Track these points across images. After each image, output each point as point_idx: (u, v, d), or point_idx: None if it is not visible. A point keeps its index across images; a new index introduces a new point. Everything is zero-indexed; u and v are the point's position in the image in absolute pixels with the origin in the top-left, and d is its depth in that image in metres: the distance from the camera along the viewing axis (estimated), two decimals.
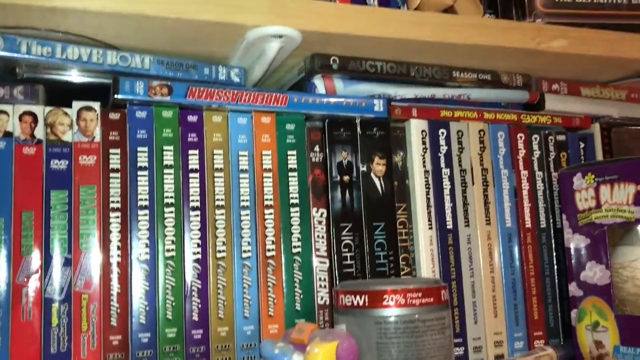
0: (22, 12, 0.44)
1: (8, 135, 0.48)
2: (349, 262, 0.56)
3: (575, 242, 0.60)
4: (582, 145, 0.67)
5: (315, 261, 0.55)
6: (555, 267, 0.63)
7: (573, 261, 0.60)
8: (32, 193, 0.48)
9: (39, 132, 0.49)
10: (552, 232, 0.64)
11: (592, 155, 0.67)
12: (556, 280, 0.63)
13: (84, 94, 0.51)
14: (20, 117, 0.48)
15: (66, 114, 0.50)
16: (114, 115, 0.51)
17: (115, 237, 0.49)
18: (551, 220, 0.64)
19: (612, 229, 0.59)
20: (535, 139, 0.65)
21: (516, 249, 0.62)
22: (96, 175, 0.50)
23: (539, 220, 0.63)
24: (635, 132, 0.69)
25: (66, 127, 0.49)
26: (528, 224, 0.63)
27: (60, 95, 0.51)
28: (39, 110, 0.49)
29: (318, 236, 0.55)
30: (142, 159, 0.51)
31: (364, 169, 0.57)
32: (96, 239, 0.49)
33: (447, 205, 0.60)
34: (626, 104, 0.69)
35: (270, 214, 0.54)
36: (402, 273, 0.58)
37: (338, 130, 0.57)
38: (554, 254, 0.63)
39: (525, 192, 0.63)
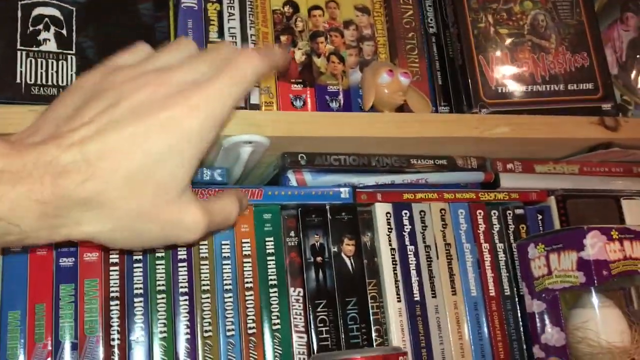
0: None
1: None
2: (324, 335, 0.62)
3: (535, 307, 0.65)
4: (540, 217, 0.73)
5: (294, 336, 0.61)
6: (522, 331, 0.68)
7: (534, 325, 0.65)
8: (44, 288, 0.56)
9: None
10: (516, 299, 0.69)
11: (551, 226, 0.73)
12: (524, 345, 0.68)
13: None
14: None
15: None
16: None
17: (115, 323, 0.57)
18: (515, 288, 0.69)
19: (569, 293, 0.65)
20: (494, 214, 0.72)
21: (482, 317, 0.67)
22: (98, 270, 0.58)
23: (503, 289, 0.69)
24: (590, 202, 0.75)
25: None
26: (492, 293, 0.68)
27: None
28: None
29: (296, 313, 0.62)
30: (137, 253, 0.59)
31: (335, 249, 0.65)
32: (99, 324, 0.57)
33: (414, 279, 0.66)
34: (580, 176, 0.75)
35: (251, 295, 0.61)
36: (375, 344, 0.64)
37: (310, 216, 0.65)
38: (520, 319, 0.68)
39: (487, 263, 0.69)
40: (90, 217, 0.31)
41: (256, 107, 0.65)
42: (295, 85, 0.68)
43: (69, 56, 0.55)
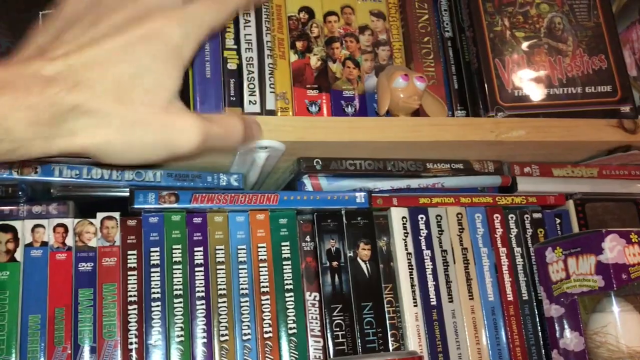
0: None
1: (44, 244, 0.58)
2: (340, 340, 0.62)
3: (553, 312, 0.65)
4: (558, 221, 0.73)
5: (310, 340, 0.62)
6: (541, 336, 0.68)
7: (553, 330, 0.65)
8: (63, 292, 0.57)
9: (69, 240, 0.59)
10: (534, 303, 0.68)
11: (569, 230, 0.72)
12: (542, 350, 0.67)
13: (107, 203, 0.62)
14: (54, 229, 0.58)
15: (91, 223, 0.60)
16: (131, 222, 0.61)
17: (133, 327, 0.58)
18: (532, 293, 0.69)
19: (588, 297, 0.64)
20: (512, 218, 0.71)
21: (500, 321, 0.67)
22: (116, 274, 0.59)
23: (520, 293, 0.68)
24: (609, 206, 0.74)
25: (92, 235, 0.59)
26: (510, 297, 0.68)
27: (88, 206, 0.61)
28: (69, 222, 0.59)
29: (312, 318, 0.62)
30: (155, 258, 0.60)
31: (351, 254, 0.65)
32: (117, 328, 0.57)
33: (430, 283, 0.66)
34: (599, 180, 0.75)
35: (267, 299, 0.61)
36: (392, 348, 0.63)
37: (326, 221, 0.65)
38: (538, 324, 0.68)
39: (505, 268, 0.69)
40: (83, 125, 0.32)
41: (272, 112, 0.66)
42: (310, 91, 0.68)
43: None
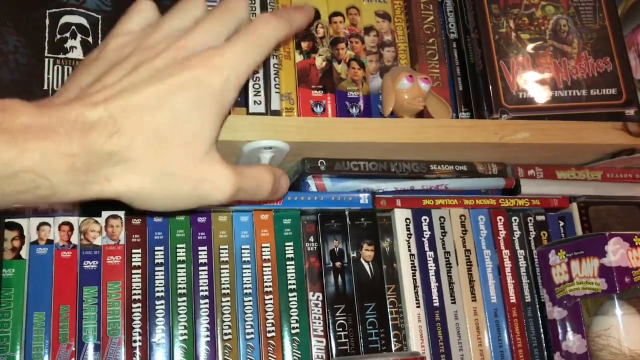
0: None
1: (50, 242, 0.58)
2: (343, 340, 0.62)
3: (556, 314, 0.65)
4: (561, 224, 0.73)
5: (313, 340, 0.62)
6: (543, 338, 0.68)
7: (555, 332, 0.65)
8: (68, 289, 0.57)
9: (75, 238, 0.59)
10: (537, 306, 0.69)
11: (572, 233, 0.73)
12: (545, 352, 0.67)
13: (112, 202, 0.62)
14: (60, 227, 0.59)
15: (96, 222, 0.60)
16: (136, 221, 0.61)
17: (137, 325, 0.58)
18: (535, 295, 0.69)
19: (591, 300, 0.64)
20: (515, 220, 0.71)
21: (503, 323, 0.67)
22: (121, 272, 0.59)
23: (523, 295, 0.69)
24: (612, 209, 0.74)
25: (96, 233, 0.59)
26: (513, 299, 0.68)
27: (93, 205, 0.61)
28: (75, 220, 0.59)
29: (315, 318, 0.63)
30: (159, 257, 0.60)
31: (354, 255, 0.65)
32: (121, 326, 0.58)
33: (433, 284, 0.66)
34: (602, 183, 0.74)
35: (270, 299, 0.61)
36: (394, 349, 0.64)
37: (329, 222, 0.65)
38: (541, 326, 0.68)
39: (508, 270, 0.69)
40: (119, 172, 0.32)
41: (277, 113, 0.66)
42: (315, 92, 0.68)
43: None
